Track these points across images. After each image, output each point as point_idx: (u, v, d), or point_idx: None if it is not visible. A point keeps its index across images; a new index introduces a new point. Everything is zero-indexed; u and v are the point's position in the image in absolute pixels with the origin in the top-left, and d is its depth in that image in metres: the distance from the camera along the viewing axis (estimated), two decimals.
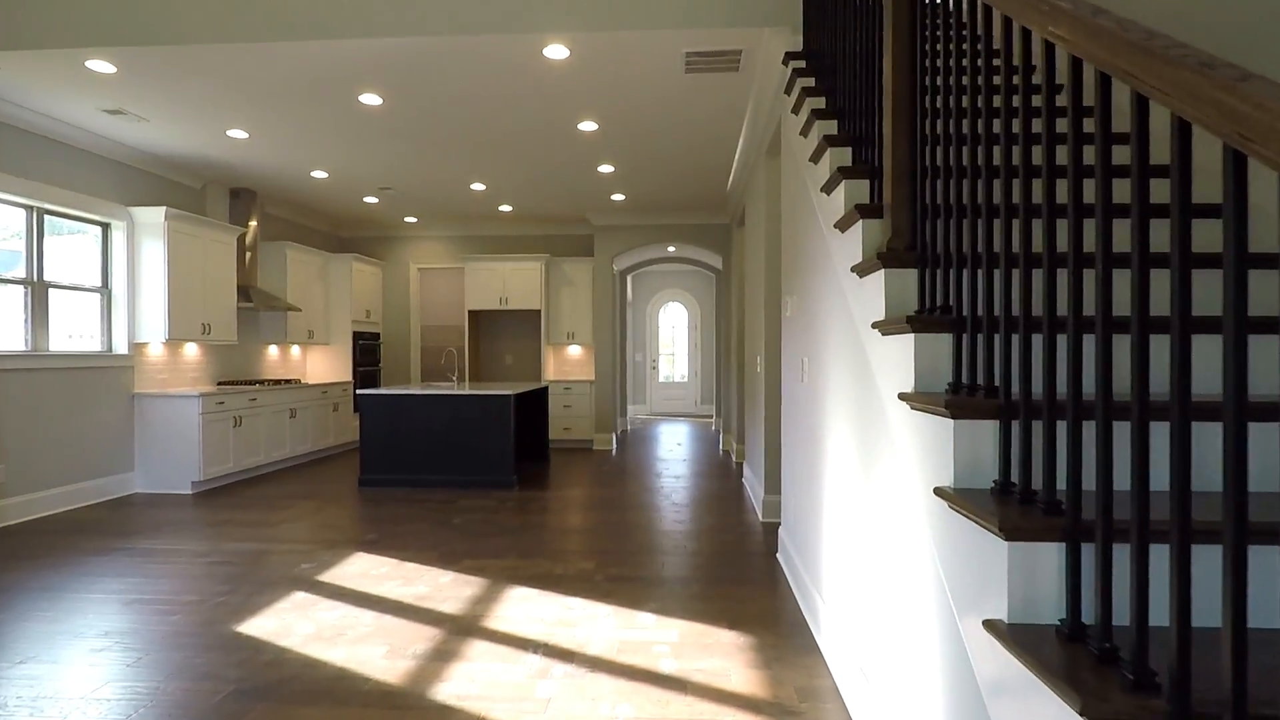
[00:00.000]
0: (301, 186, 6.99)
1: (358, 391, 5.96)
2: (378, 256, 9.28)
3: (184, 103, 4.67)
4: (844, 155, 2.50)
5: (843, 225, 2.27)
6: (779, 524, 4.57)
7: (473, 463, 5.89)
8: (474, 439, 5.89)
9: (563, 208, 8.00)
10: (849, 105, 2.52)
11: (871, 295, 1.99)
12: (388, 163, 6.15)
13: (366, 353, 8.76)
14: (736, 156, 5.85)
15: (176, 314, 5.90)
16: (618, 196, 7.38)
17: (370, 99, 4.57)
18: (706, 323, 12.77)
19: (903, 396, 1.65)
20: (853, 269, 2.11)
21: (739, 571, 3.73)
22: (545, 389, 7.39)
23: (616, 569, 3.76)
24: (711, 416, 12.40)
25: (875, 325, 1.88)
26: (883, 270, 1.87)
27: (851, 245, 2.21)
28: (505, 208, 7.99)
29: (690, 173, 6.44)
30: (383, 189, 7.06)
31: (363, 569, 3.74)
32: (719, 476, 6.50)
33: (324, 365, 8.43)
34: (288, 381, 7.24)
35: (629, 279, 10.80)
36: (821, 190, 2.59)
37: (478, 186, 6.96)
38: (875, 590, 2.06)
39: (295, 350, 8.23)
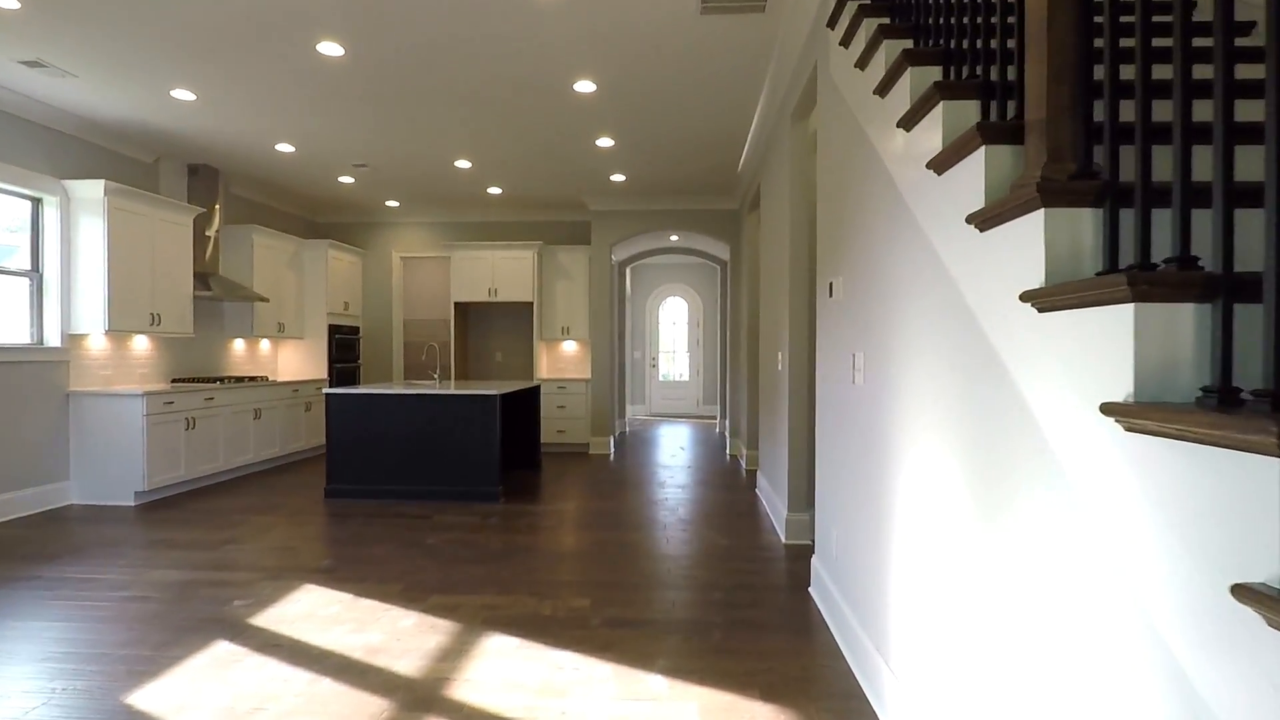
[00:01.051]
0: (267, 162, 6.31)
1: (324, 390, 5.29)
2: (358, 244, 8.60)
3: (112, 54, 3.99)
4: (930, 75, 1.85)
5: (944, 162, 1.61)
6: (809, 548, 3.92)
7: (453, 472, 5.22)
8: (455, 445, 5.22)
9: (557, 190, 7.33)
10: (935, 18, 1.87)
11: (1006, 253, 1.34)
12: (360, 134, 5.48)
13: (344, 348, 8.08)
14: (753, 127, 5.19)
15: (119, 302, 5.21)
16: (617, 177, 6.72)
17: (330, 48, 3.90)
18: (710, 318, 12.12)
19: (1110, 409, 0.99)
20: (969, 219, 1.45)
21: (766, 613, 3.07)
22: (537, 388, 6.72)
23: (617, 609, 3.09)
24: (715, 418, 11.75)
25: (1030, 296, 1.22)
26: (1039, 212, 1.21)
27: (958, 189, 1.55)
28: (494, 190, 7.32)
29: (698, 149, 5.77)
30: (357, 166, 6.38)
31: (308, 608, 3.07)
32: (729, 487, 5.84)
33: (297, 361, 7.75)
34: (253, 379, 6.56)
35: (628, 271, 10.14)
36: (898, 127, 1.93)
37: (463, 164, 6.29)
38: (1008, 687, 1.40)
39: (265, 345, 7.55)
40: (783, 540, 4.16)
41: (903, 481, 2.07)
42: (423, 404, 5.22)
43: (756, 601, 3.20)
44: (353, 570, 3.60)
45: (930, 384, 1.83)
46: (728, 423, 8.83)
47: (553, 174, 6.63)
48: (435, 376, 6.21)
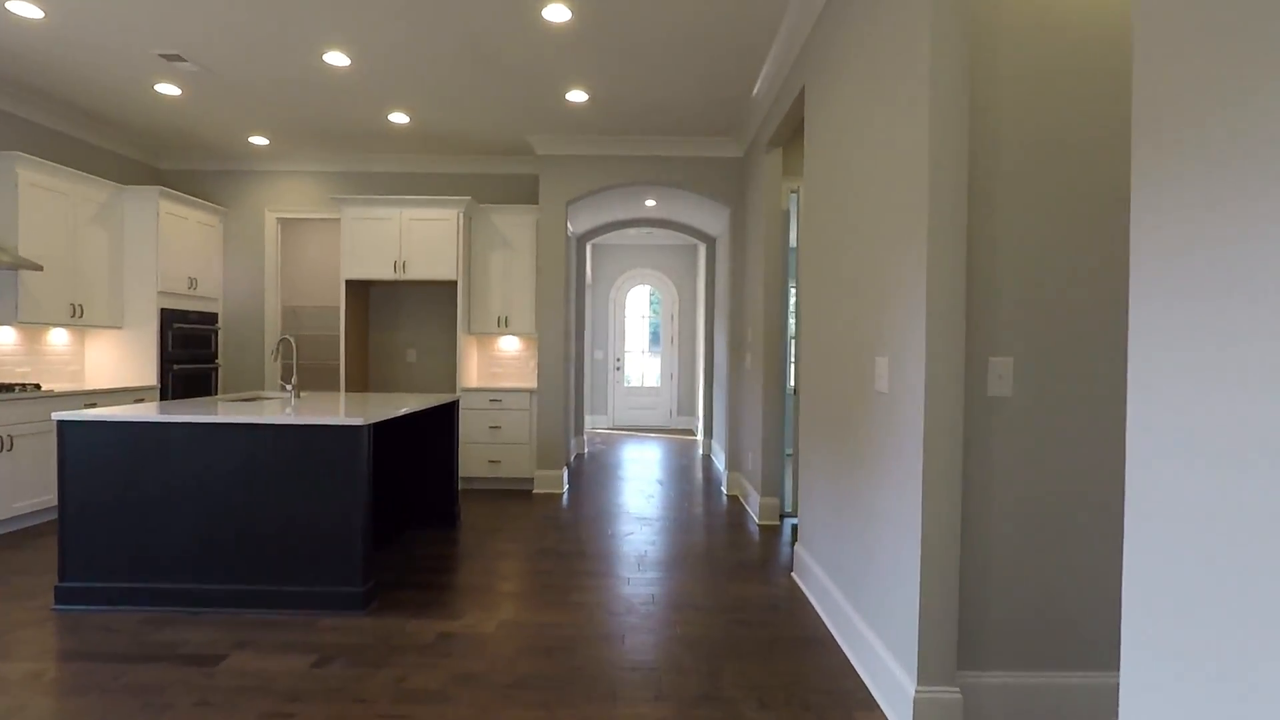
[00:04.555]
0: (15, 43, 3.98)
1: (55, 416, 3.01)
2: (217, 200, 6.25)
3: None
4: None
5: None
6: None
7: (288, 558, 3.02)
8: (291, 511, 3.02)
9: (490, 119, 5.15)
10: None
11: None
12: None
13: (190, 343, 5.75)
14: None
15: None
16: (577, 96, 4.58)
17: None
18: (687, 311, 10.05)
19: None
20: None
21: None
22: (453, 405, 4.54)
23: None
24: (695, 434, 9.70)
25: None
26: None
27: None
28: (399, 117, 5.09)
29: (698, 44, 3.68)
30: (168, 58, 4.09)
31: None
32: (749, 568, 3.79)
33: (115, 361, 5.40)
34: (7, 387, 4.23)
35: (588, 249, 7.99)
36: None
37: (336, 59, 4.06)
38: None
39: (60, 336, 5.17)
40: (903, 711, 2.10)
41: None
42: (236, 441, 3.01)
43: None
44: None
45: None
46: (716, 444, 6.78)
47: (479, 87, 4.46)
48: (289, 389, 4.00)
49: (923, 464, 2.02)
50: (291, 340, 4.05)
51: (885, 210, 2.35)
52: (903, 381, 2.18)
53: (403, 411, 3.41)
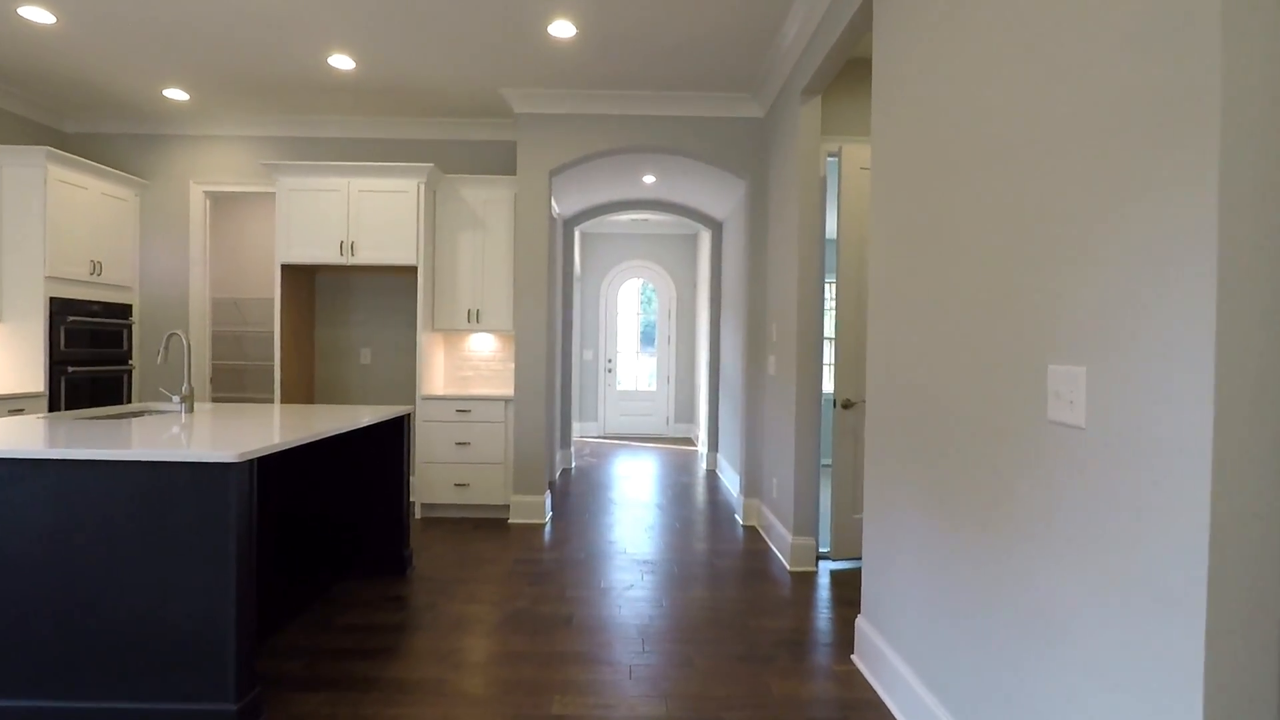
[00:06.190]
0: None
1: None
2: (133, 169, 5.23)
3: None
4: None
5: None
6: None
7: (122, 665, 2.03)
8: (127, 593, 2.03)
9: (454, 63, 4.17)
10: None
11: None
12: None
13: (92, 340, 4.73)
14: None
15: None
16: (562, 28, 3.61)
17: None
18: (685, 307, 9.10)
19: None
20: None
21: None
22: (402, 419, 3.55)
23: None
24: (695, 444, 8.75)
25: None
26: None
27: None
28: (341, 60, 4.10)
29: None
30: None
31: None
32: (792, 644, 2.84)
33: None
34: None
35: (576, 235, 7.01)
36: None
37: None
38: None
39: None
40: None
41: None
42: (42, 487, 2.02)
43: None
44: None
45: None
46: (723, 460, 5.83)
47: (438, 12, 3.47)
48: (178, 400, 2.99)
49: (1208, 575, 1.07)
50: (182, 336, 3.05)
51: (1085, 120, 1.40)
52: (1133, 411, 1.22)
53: (303, 440, 2.42)
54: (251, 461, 2.08)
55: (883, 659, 2.36)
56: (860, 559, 3.82)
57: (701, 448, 7.74)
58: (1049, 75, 1.49)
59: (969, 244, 1.84)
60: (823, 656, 2.66)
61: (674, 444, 8.50)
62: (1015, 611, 1.58)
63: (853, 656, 2.65)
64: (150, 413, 3.27)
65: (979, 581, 1.75)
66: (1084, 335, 1.36)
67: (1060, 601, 1.42)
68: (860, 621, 2.61)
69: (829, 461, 3.80)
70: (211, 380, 5.40)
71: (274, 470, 3.03)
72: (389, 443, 3.51)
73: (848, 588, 3.44)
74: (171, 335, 2.99)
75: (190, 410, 3.09)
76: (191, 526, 2.02)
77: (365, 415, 3.09)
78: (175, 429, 2.49)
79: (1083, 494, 1.36)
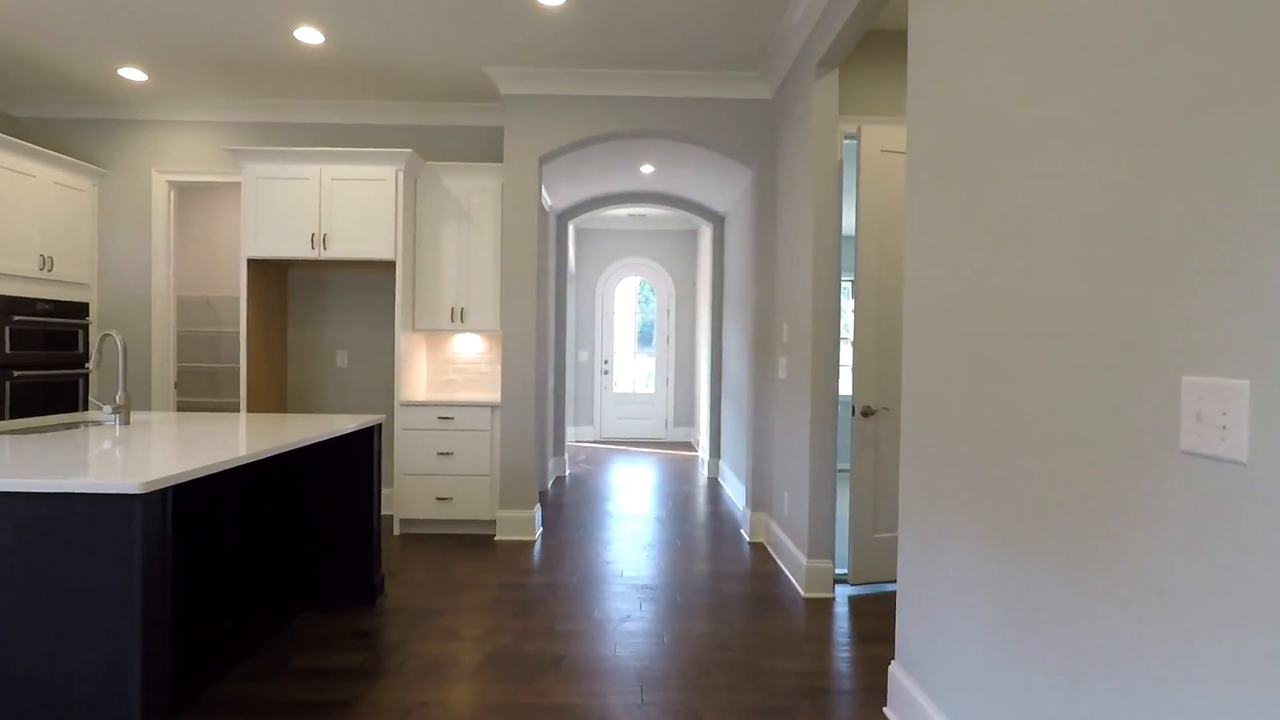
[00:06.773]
0: None
1: None
2: (90, 157, 4.85)
3: None
4: None
5: None
6: None
7: None
8: (10, 659, 1.66)
9: (433, 36, 3.79)
10: None
11: None
12: None
13: (44, 342, 4.35)
14: None
15: None
16: None
17: None
18: (685, 305, 8.74)
19: None
20: None
21: None
22: (372, 430, 3.17)
23: None
24: (695, 449, 8.39)
25: None
26: None
27: None
28: (309, 34, 3.72)
29: None
30: None
31: None
32: (814, 692, 2.48)
33: None
34: None
35: (570, 229, 6.65)
36: None
37: None
38: None
39: None
40: None
41: None
42: None
43: None
44: None
45: None
46: (726, 467, 5.46)
47: None
48: (109, 410, 2.60)
49: None
50: (116, 338, 2.68)
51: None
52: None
53: (227, 464, 2.05)
54: (164, 490, 1.71)
55: (924, 717, 2.00)
56: (884, 583, 3.45)
57: (702, 453, 7.38)
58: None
59: (1045, 220, 1.47)
60: (849, 709, 2.30)
61: (673, 449, 8.14)
62: (1134, 689, 1.22)
63: (885, 710, 2.29)
64: (88, 424, 2.90)
65: (1076, 645, 1.39)
66: (1248, 336, 1.00)
67: (1185, 690, 1.05)
68: (894, 669, 2.24)
69: (845, 466, 3.44)
70: (177, 385, 5.02)
71: (225, 493, 2.66)
72: (359, 457, 3.14)
73: (871, 618, 3.07)
74: (105, 336, 2.62)
75: (126, 422, 2.71)
76: (90, 568, 1.65)
77: (320, 428, 2.71)
78: (91, 449, 2.12)
79: (1237, 555, 0.99)
